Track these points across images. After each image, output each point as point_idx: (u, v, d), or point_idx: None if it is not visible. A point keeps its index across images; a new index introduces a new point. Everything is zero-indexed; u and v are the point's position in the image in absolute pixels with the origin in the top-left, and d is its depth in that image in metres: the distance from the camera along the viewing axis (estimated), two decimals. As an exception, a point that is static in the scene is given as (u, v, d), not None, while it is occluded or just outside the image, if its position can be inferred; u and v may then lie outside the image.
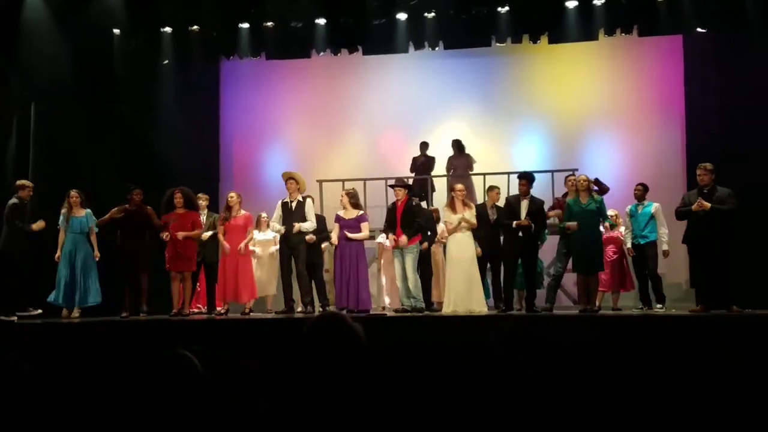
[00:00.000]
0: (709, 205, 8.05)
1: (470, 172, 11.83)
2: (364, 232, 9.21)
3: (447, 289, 9.03)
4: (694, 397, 4.32)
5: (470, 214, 9.05)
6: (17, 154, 10.63)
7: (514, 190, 9.49)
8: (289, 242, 9.29)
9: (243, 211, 9.64)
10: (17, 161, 10.60)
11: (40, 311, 9.08)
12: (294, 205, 9.34)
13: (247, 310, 9.68)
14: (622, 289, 9.89)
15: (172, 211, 9.23)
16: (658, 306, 9.08)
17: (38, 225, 9.13)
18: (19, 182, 9.25)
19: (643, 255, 9.21)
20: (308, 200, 9.54)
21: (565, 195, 9.62)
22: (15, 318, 8.74)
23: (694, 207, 8.13)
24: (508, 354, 2.38)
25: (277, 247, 9.89)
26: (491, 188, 9.99)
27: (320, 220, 9.72)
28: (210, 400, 2.39)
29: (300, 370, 2.43)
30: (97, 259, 9.40)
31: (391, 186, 9.55)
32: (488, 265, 9.54)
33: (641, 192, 9.43)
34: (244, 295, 9.53)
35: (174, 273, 9.21)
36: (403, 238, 8.94)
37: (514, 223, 8.75)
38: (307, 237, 9.31)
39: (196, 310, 9.86)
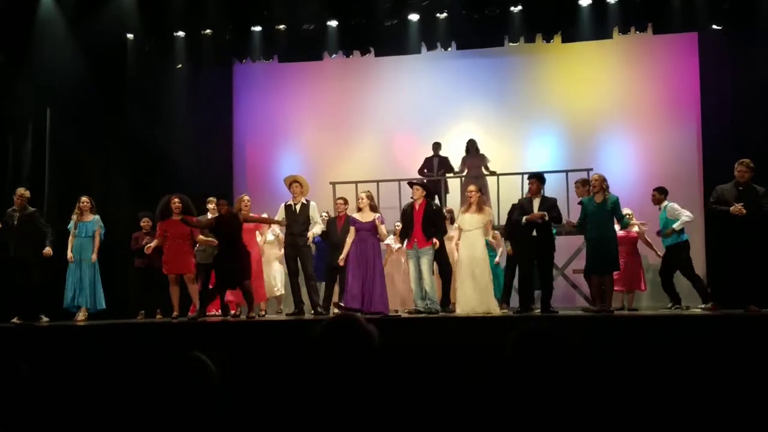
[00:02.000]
0: (744, 211, 7.93)
1: (485, 173, 11.77)
2: (384, 231, 9.24)
3: (459, 290, 8.99)
4: (709, 396, 4.26)
5: (485, 217, 9.01)
6: (33, 159, 10.72)
7: (528, 191, 9.44)
8: (295, 245, 9.28)
9: (252, 214, 9.63)
10: (33, 165, 10.69)
11: (47, 320, 9.14)
12: (298, 207, 9.34)
13: (262, 312, 9.67)
14: (636, 288, 9.85)
15: (169, 218, 9.24)
16: (701, 306, 9.02)
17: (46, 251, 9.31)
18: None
19: (670, 258, 9.24)
20: (312, 203, 9.55)
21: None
22: (16, 320, 8.86)
23: (733, 210, 8.01)
24: (521, 354, 2.34)
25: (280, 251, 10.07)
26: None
27: (332, 222, 9.69)
28: (223, 403, 2.38)
29: (310, 370, 2.41)
30: (93, 261, 9.50)
31: (410, 184, 9.47)
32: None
33: (656, 196, 9.42)
34: (254, 297, 9.51)
35: (172, 276, 9.23)
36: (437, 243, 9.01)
37: (524, 218, 8.69)
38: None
39: (211, 314, 9.89)
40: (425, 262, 8.94)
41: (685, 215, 9.13)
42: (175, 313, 9.18)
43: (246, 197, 9.64)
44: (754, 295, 8.02)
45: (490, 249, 9.52)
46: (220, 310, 9.81)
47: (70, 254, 9.46)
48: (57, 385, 2.78)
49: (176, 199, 9.22)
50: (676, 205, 9.33)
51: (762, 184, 9.13)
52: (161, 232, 9.23)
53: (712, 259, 8.55)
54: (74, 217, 9.56)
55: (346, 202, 9.87)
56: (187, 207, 9.26)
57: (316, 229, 9.36)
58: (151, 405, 2.32)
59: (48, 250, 9.24)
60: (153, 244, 9.27)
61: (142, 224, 9.98)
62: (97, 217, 9.65)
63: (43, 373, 2.71)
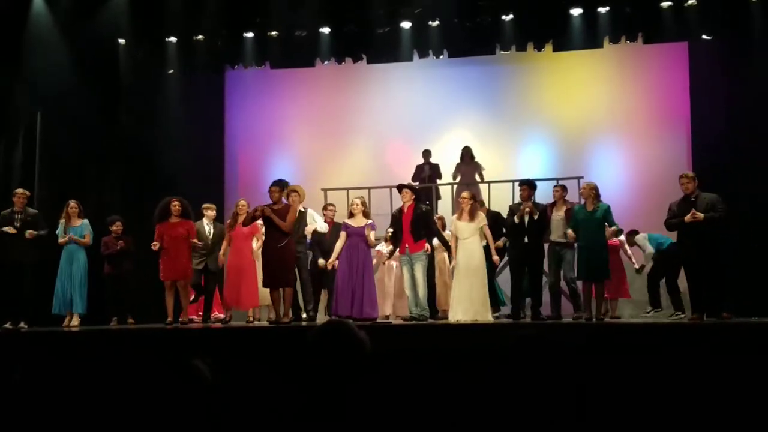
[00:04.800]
0: (702, 215, 8.03)
1: (477, 181, 11.82)
2: (372, 236, 9.22)
3: (453, 297, 8.99)
4: (695, 405, 4.29)
5: (480, 222, 9.03)
6: (23, 164, 10.69)
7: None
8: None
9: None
10: (23, 170, 10.65)
11: (26, 327, 8.99)
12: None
13: (250, 318, 9.66)
14: (620, 296, 9.89)
15: (167, 220, 9.21)
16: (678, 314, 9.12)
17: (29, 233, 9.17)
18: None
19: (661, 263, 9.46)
20: (309, 210, 9.57)
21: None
22: (9, 325, 8.81)
23: (687, 218, 8.11)
24: (518, 361, 2.37)
25: None
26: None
27: (338, 227, 9.65)
28: (216, 409, 2.38)
29: (302, 377, 2.42)
30: (87, 241, 9.48)
31: (399, 188, 9.45)
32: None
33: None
34: (246, 302, 9.49)
35: (168, 282, 9.19)
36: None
37: (515, 215, 8.75)
38: (320, 262, 9.39)
39: (196, 318, 9.88)
40: (419, 268, 8.91)
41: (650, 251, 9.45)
42: (169, 319, 9.14)
43: (242, 201, 9.64)
44: (716, 304, 8.14)
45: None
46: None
47: (66, 239, 9.40)
48: (49, 390, 2.78)
49: (176, 202, 9.19)
50: (642, 238, 9.59)
51: (756, 193, 9.21)
52: (159, 234, 9.19)
53: (686, 271, 8.67)
54: (62, 221, 9.49)
55: (334, 208, 9.97)
56: (186, 210, 9.24)
57: (322, 226, 9.38)
58: (144, 410, 2.32)
59: (31, 233, 9.14)
60: (156, 244, 9.13)
61: (113, 228, 9.89)
62: (86, 221, 9.59)
63: (36, 379, 2.70)
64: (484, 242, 9.11)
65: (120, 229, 9.88)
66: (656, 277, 9.47)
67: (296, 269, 9.28)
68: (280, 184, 8.90)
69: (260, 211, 8.69)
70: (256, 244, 9.93)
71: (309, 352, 2.47)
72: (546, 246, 9.16)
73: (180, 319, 9.16)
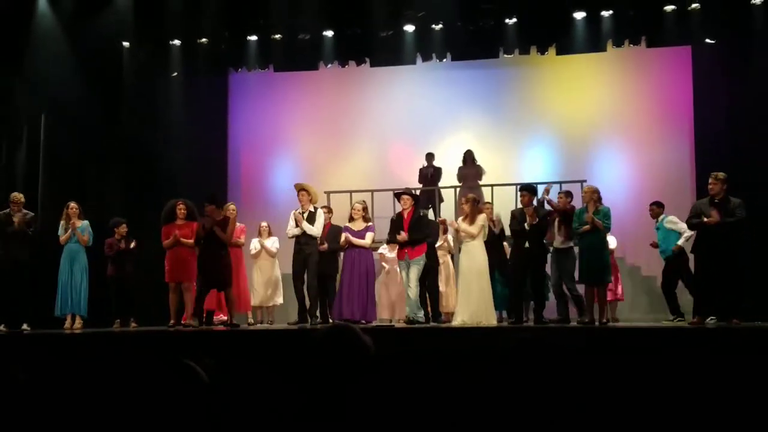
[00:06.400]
0: (717, 218, 7.98)
1: (480, 183, 11.82)
2: (367, 240, 9.23)
3: (458, 300, 9.00)
4: (696, 408, 4.29)
5: (474, 226, 9.01)
6: (27, 165, 10.71)
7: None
8: (302, 253, 9.28)
9: (238, 224, 9.60)
10: (27, 171, 10.67)
11: (28, 329, 8.98)
12: (306, 216, 9.34)
13: (250, 321, 9.66)
14: (614, 297, 9.87)
15: (173, 222, 9.23)
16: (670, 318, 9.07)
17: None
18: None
19: (670, 270, 9.30)
20: (319, 210, 9.55)
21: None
22: (3, 327, 8.82)
23: (707, 220, 8.05)
24: (519, 365, 2.37)
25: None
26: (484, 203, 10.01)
27: (336, 230, 9.64)
28: (214, 410, 2.38)
29: (303, 377, 2.42)
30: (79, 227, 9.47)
31: (397, 194, 9.50)
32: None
33: (654, 210, 9.50)
34: (240, 306, 9.49)
35: (173, 284, 9.20)
36: (404, 235, 8.95)
37: (528, 221, 8.74)
38: (321, 247, 9.32)
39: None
40: (413, 271, 8.96)
41: (686, 229, 9.15)
42: (171, 321, 9.14)
43: (232, 206, 9.65)
44: (735, 307, 8.06)
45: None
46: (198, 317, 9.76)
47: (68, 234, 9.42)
48: (52, 392, 2.79)
49: (182, 205, 9.22)
50: (674, 218, 9.38)
51: (759, 196, 9.17)
52: (165, 236, 9.22)
53: (699, 273, 8.63)
54: (62, 222, 9.52)
55: (330, 210, 10.05)
56: (191, 213, 9.27)
57: (312, 229, 9.28)
58: (143, 411, 2.32)
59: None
60: (170, 240, 9.13)
61: (118, 230, 9.83)
62: (86, 222, 9.60)
63: (40, 381, 2.71)
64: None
65: (125, 231, 9.89)
66: (670, 284, 9.37)
67: (305, 271, 9.27)
68: (215, 202, 8.97)
69: (206, 227, 8.89)
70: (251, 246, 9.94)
71: (313, 354, 2.47)
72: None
73: (183, 322, 9.17)
